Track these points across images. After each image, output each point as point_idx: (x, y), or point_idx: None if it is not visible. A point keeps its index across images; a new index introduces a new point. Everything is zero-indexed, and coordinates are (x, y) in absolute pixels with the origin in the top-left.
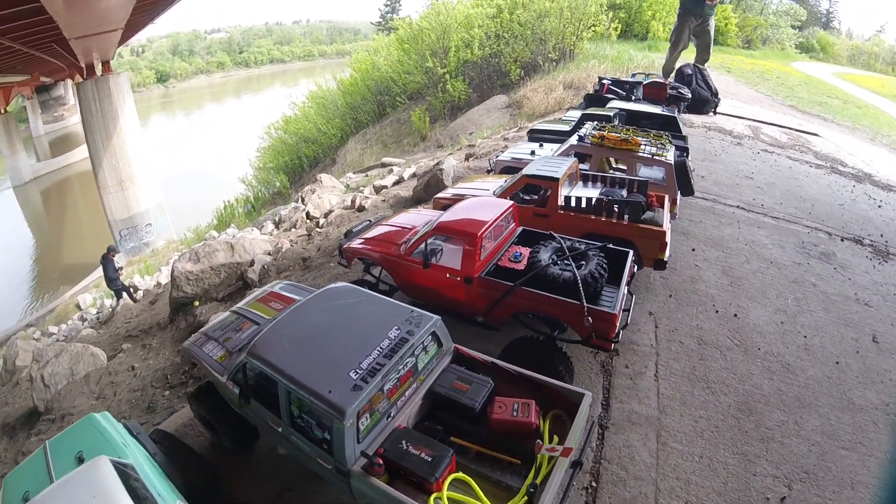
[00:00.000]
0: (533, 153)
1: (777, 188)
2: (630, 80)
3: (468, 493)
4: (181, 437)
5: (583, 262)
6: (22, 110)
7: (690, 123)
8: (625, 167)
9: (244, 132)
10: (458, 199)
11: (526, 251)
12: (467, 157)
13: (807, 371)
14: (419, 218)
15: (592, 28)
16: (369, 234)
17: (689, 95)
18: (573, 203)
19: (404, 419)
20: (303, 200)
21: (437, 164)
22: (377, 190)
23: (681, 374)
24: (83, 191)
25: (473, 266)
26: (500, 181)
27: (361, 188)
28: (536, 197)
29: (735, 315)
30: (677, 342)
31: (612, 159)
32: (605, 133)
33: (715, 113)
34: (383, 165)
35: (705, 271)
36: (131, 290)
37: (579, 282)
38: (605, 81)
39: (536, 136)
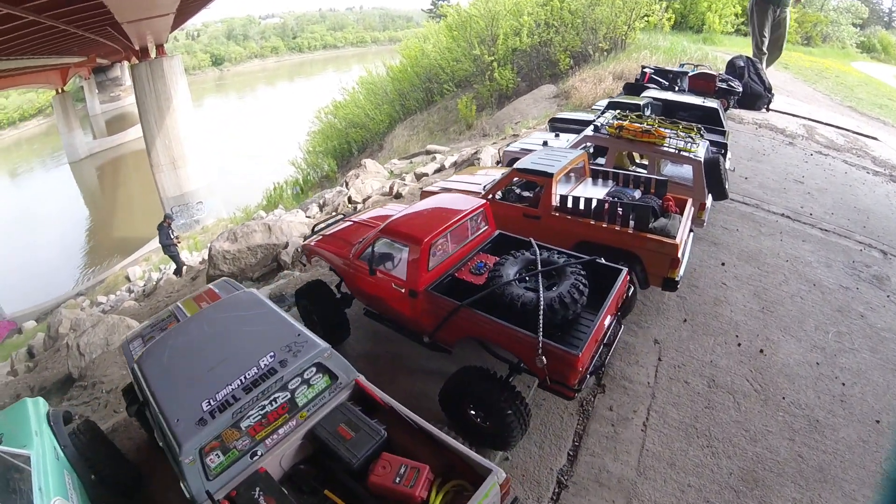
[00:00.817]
0: (545, 143)
1: (829, 195)
2: (675, 69)
3: None
4: (111, 433)
5: (556, 281)
6: (79, 90)
7: (740, 119)
8: (648, 163)
9: (296, 115)
10: (448, 192)
11: (493, 261)
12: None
13: (838, 431)
14: (431, 205)
15: (645, 18)
16: (331, 231)
17: (740, 89)
18: (569, 204)
19: (276, 460)
20: (347, 185)
21: (476, 152)
22: (418, 177)
23: (677, 425)
24: (137, 168)
25: (419, 277)
26: (498, 174)
27: (404, 175)
28: (532, 195)
29: (761, 350)
30: (682, 382)
31: (634, 154)
32: (624, 123)
33: (767, 109)
34: (427, 153)
35: (733, 292)
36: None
37: (541, 307)
38: (646, 70)
39: (557, 125)
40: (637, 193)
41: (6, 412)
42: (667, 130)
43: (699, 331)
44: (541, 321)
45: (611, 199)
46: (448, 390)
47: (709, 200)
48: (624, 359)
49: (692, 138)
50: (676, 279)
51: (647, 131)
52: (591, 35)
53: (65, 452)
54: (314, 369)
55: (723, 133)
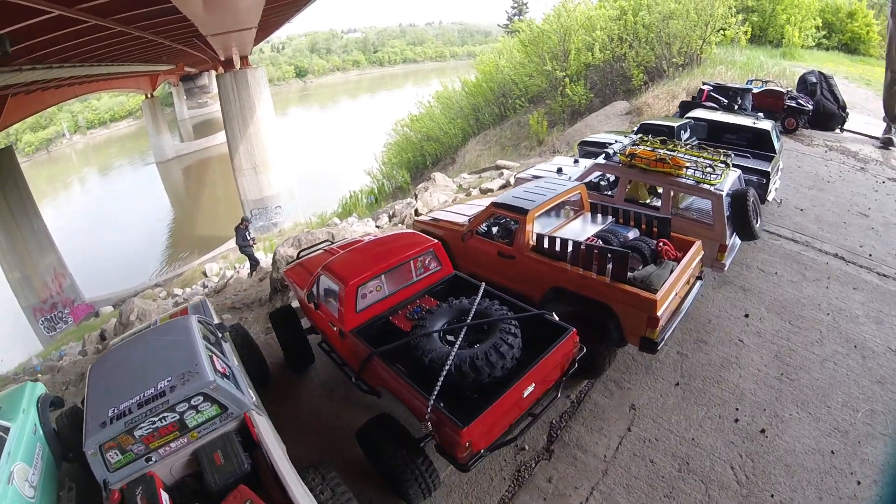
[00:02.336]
0: (559, 171)
1: None
2: (737, 86)
3: None
4: None
5: (486, 338)
6: (168, 96)
7: (810, 140)
8: (663, 196)
9: (374, 127)
10: (435, 223)
11: (436, 304)
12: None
13: None
14: (377, 244)
15: (721, 32)
16: (308, 258)
17: (811, 107)
18: (545, 244)
19: (167, 468)
20: (416, 197)
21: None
22: (483, 192)
23: None
24: (221, 171)
25: (345, 318)
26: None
27: (471, 189)
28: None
29: (762, 431)
30: (646, 460)
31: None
32: (637, 150)
33: (842, 130)
34: (497, 168)
35: (749, 352)
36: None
37: (447, 366)
38: (704, 87)
39: (586, 148)
40: (632, 233)
41: (10, 391)
42: (687, 158)
43: (691, 399)
44: (439, 381)
45: (593, 240)
46: (361, 433)
47: (732, 240)
48: (587, 423)
49: (713, 168)
50: (655, 340)
51: (661, 160)
52: (665, 50)
53: (43, 430)
54: (200, 398)
55: (769, 159)
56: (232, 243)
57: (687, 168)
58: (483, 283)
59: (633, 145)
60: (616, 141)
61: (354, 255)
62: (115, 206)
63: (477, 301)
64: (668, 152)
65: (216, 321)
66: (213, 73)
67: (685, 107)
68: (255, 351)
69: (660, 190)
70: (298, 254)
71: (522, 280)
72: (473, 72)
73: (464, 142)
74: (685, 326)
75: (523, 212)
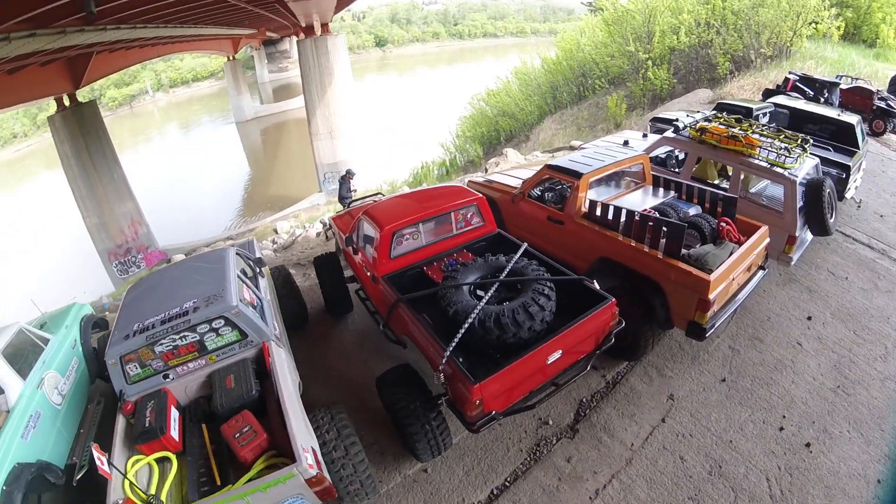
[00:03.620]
0: (626, 143)
1: None
2: (824, 78)
3: (163, 472)
4: None
5: (535, 290)
6: (250, 59)
7: None
8: (732, 177)
9: (450, 99)
10: (488, 185)
11: (472, 259)
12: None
13: None
14: (422, 195)
15: (813, 25)
16: (356, 207)
17: None
18: (597, 212)
19: (182, 387)
20: (486, 171)
21: None
22: None
23: None
24: (297, 134)
25: (379, 264)
26: None
27: None
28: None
29: (808, 444)
30: (675, 456)
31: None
32: (708, 125)
33: None
34: (571, 148)
35: (807, 357)
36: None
37: (470, 319)
38: (790, 77)
39: (658, 125)
40: (693, 210)
41: (62, 309)
42: (762, 138)
43: (736, 398)
44: (459, 333)
45: (650, 212)
46: (380, 380)
47: (803, 233)
48: (619, 407)
49: (788, 151)
50: (704, 325)
51: (733, 137)
52: (753, 39)
53: (82, 346)
54: (222, 322)
55: (851, 154)
56: (304, 204)
57: (760, 148)
58: (525, 243)
59: (706, 121)
60: (689, 116)
61: (397, 201)
62: (193, 161)
63: (514, 259)
64: (741, 131)
65: (257, 257)
66: (294, 38)
67: (768, 94)
68: (294, 292)
69: (729, 170)
70: (348, 203)
71: (570, 248)
72: (554, 49)
73: (539, 120)
74: (741, 320)
75: (577, 175)
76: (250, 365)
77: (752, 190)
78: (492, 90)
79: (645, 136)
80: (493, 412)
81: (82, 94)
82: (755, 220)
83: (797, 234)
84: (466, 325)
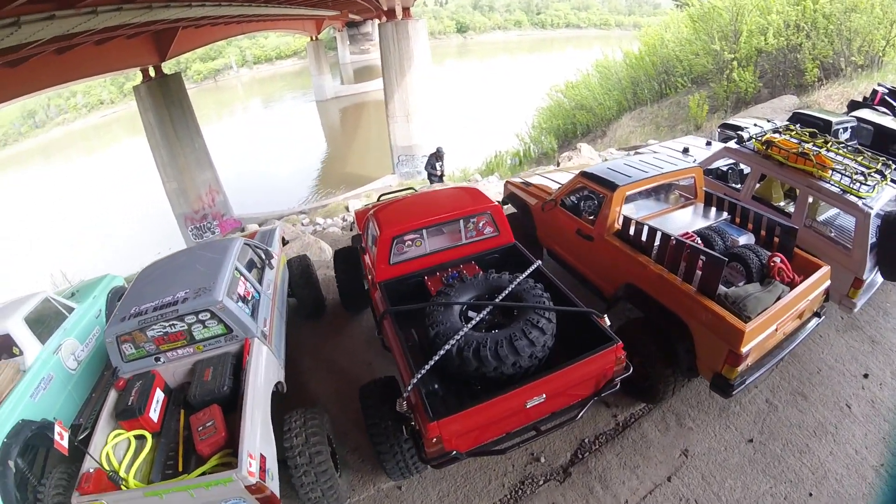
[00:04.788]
0: (685, 151)
1: None
2: None
3: (139, 448)
4: None
5: (528, 320)
6: (332, 40)
7: None
8: (798, 201)
9: (529, 89)
10: (524, 187)
11: (474, 274)
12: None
13: None
14: (436, 197)
15: None
16: (384, 202)
17: None
18: (631, 230)
19: (170, 371)
20: (559, 165)
21: None
22: None
23: None
24: (374, 116)
25: (377, 269)
26: None
27: None
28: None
29: None
30: None
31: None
32: (776, 138)
33: None
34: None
35: (854, 424)
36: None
37: (447, 346)
38: (879, 90)
39: (727, 132)
40: (745, 238)
41: (95, 279)
42: (837, 159)
43: (760, 464)
44: (431, 361)
45: (691, 237)
46: (362, 389)
47: (872, 276)
48: (623, 455)
49: (865, 176)
50: (732, 381)
51: (803, 154)
52: (844, 46)
53: (105, 317)
54: (208, 314)
55: None
56: (376, 184)
57: (833, 171)
58: (538, 262)
59: (775, 132)
60: (756, 125)
61: (406, 203)
62: (273, 136)
63: (518, 280)
64: (815, 148)
65: (273, 249)
66: (377, 21)
67: (854, 107)
68: (312, 283)
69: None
70: (379, 197)
71: (598, 268)
72: (637, 43)
73: (618, 115)
74: (786, 369)
75: (612, 187)
76: (230, 360)
77: (821, 218)
78: (570, 82)
79: (709, 143)
80: (454, 452)
81: (168, 67)
82: (818, 254)
83: (865, 277)
84: (442, 353)
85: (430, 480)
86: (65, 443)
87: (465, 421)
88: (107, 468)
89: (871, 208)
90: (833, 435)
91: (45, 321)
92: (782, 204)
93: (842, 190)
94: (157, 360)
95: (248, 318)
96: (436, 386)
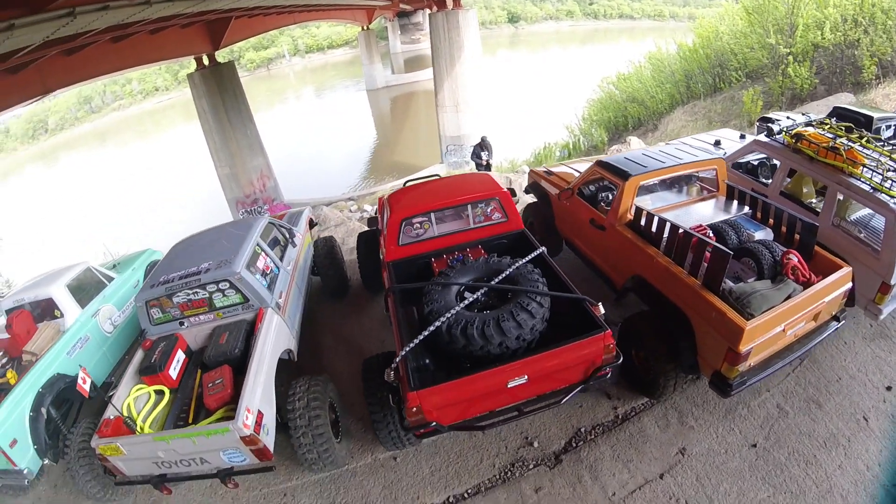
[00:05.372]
0: (717, 143)
1: None
2: None
3: (158, 401)
4: None
5: (518, 302)
6: (383, 30)
7: None
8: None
9: (580, 80)
10: (546, 176)
11: (479, 257)
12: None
13: None
14: (447, 184)
15: None
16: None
17: None
18: (642, 221)
19: (192, 335)
20: None
21: None
22: None
23: None
24: (424, 106)
25: (387, 250)
26: None
27: None
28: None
29: None
30: None
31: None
32: (807, 132)
33: None
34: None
35: (868, 439)
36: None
37: (437, 322)
38: None
39: (766, 125)
40: (762, 233)
41: (136, 253)
42: (870, 155)
43: (761, 471)
44: (421, 335)
45: (703, 230)
46: (364, 363)
47: None
48: (618, 448)
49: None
50: (730, 381)
51: (833, 149)
52: None
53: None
54: (227, 284)
55: None
56: (423, 172)
57: (864, 167)
58: (542, 248)
59: (808, 125)
60: (788, 118)
61: (419, 189)
62: (324, 124)
63: (517, 265)
64: (848, 143)
65: (298, 229)
66: (427, 11)
67: None
68: (336, 263)
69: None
70: (405, 182)
71: (609, 258)
72: (691, 35)
73: (670, 109)
74: (804, 374)
75: (625, 176)
76: (245, 327)
77: (851, 217)
78: (622, 74)
79: (742, 136)
80: (435, 423)
81: (221, 55)
82: (846, 254)
83: (893, 282)
84: (432, 329)
85: (425, 454)
86: (87, 387)
87: (444, 394)
88: (125, 416)
89: None
90: (845, 448)
91: (86, 288)
92: (814, 202)
93: (872, 188)
94: (182, 324)
95: (265, 289)
96: (427, 361)
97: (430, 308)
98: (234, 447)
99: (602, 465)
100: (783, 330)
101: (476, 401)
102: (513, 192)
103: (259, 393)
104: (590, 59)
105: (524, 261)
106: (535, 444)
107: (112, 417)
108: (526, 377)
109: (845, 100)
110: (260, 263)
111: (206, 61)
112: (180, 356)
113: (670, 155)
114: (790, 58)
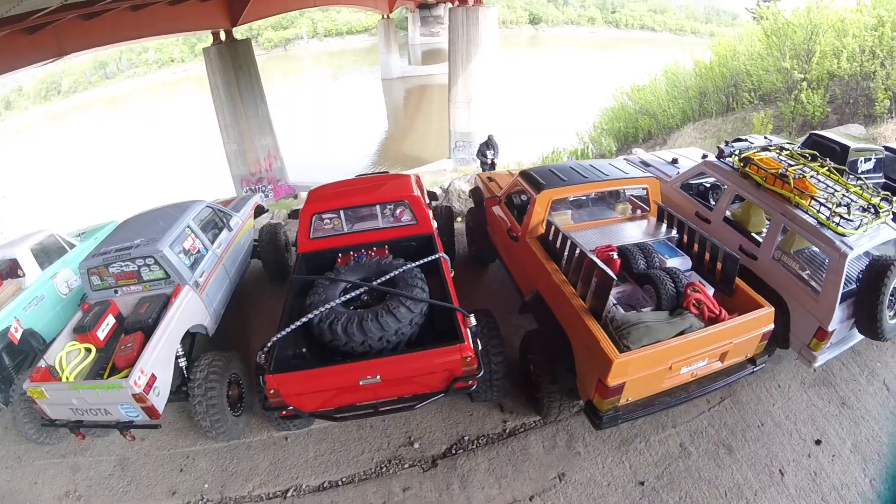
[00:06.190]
0: (674, 162)
1: None
2: None
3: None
4: None
5: (386, 305)
6: (403, 20)
7: None
8: (769, 229)
9: (595, 87)
10: (487, 181)
11: (380, 256)
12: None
13: None
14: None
15: None
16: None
17: None
18: (551, 235)
19: (124, 302)
20: None
21: None
22: None
23: None
24: (437, 99)
25: (300, 241)
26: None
27: None
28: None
29: None
30: None
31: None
32: (756, 156)
33: None
34: None
35: (780, 496)
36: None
37: (308, 315)
38: None
39: (718, 147)
40: (677, 261)
41: (102, 224)
42: (825, 185)
43: None
44: (291, 327)
45: (609, 250)
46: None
47: (845, 328)
48: (496, 462)
49: (849, 209)
50: (601, 412)
51: (782, 176)
52: None
53: None
54: (152, 260)
55: None
56: (430, 166)
57: (814, 199)
58: (441, 254)
59: (764, 150)
60: (746, 139)
61: (337, 186)
62: (336, 109)
63: (402, 269)
64: (801, 170)
65: (242, 215)
66: (449, 5)
67: None
68: (278, 250)
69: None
70: (357, 176)
71: (519, 270)
72: (709, 53)
73: (681, 125)
74: (722, 414)
75: (539, 188)
76: (163, 300)
77: (795, 251)
78: (637, 86)
79: (705, 156)
80: (293, 408)
81: (239, 32)
82: (784, 293)
83: (830, 328)
84: (304, 320)
85: (314, 439)
86: (18, 335)
87: (300, 381)
88: (51, 365)
89: (851, 248)
90: (748, 502)
91: (47, 253)
92: (763, 233)
93: (819, 222)
94: (116, 292)
95: (186, 268)
96: (304, 350)
97: (310, 301)
98: (129, 403)
99: (474, 477)
100: (670, 368)
101: (337, 393)
102: (434, 196)
103: (155, 358)
104: (607, 67)
105: (414, 265)
106: (416, 445)
107: (44, 366)
108: (378, 377)
109: (855, 130)
110: (187, 244)
111: (223, 37)
112: (110, 320)
113: (598, 170)
114: (804, 84)
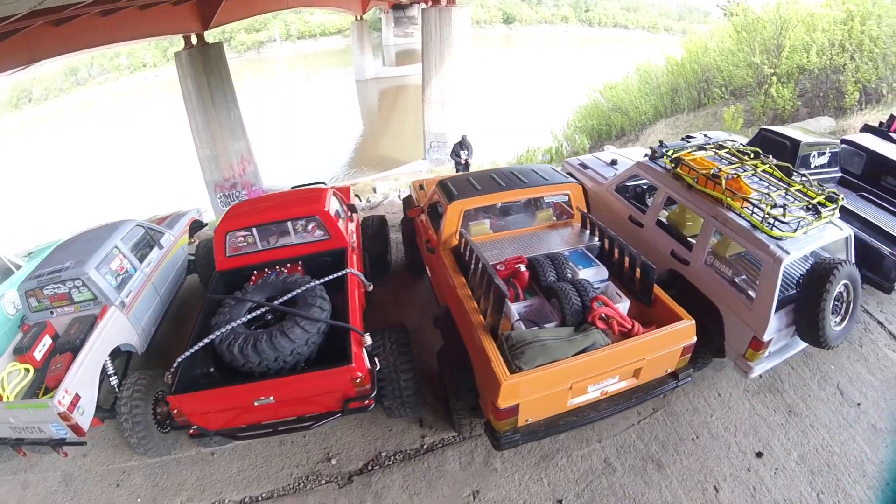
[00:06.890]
0: (614, 163)
1: None
2: None
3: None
4: None
5: (282, 326)
6: (377, 21)
7: None
8: (701, 233)
9: (568, 86)
10: (419, 189)
11: (292, 274)
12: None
13: None
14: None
15: None
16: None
17: None
18: (462, 247)
19: (60, 322)
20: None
21: None
22: None
23: None
24: (412, 100)
25: (216, 258)
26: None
27: None
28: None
29: None
30: None
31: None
32: (687, 155)
33: None
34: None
35: None
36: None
37: (211, 336)
38: None
39: (650, 147)
40: (591, 272)
41: (50, 243)
42: (761, 185)
43: None
44: (195, 347)
45: (517, 262)
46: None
47: (784, 336)
48: (411, 479)
49: (784, 211)
50: (499, 433)
51: (714, 176)
52: (889, 72)
53: None
54: (80, 282)
55: None
56: (406, 168)
57: (747, 200)
58: (348, 270)
59: (701, 148)
60: (687, 137)
61: (254, 202)
62: (310, 111)
63: (307, 286)
64: (735, 170)
65: (175, 231)
66: (422, 5)
67: (869, 132)
68: (213, 265)
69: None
70: (292, 187)
71: (435, 283)
72: (681, 50)
73: (653, 121)
74: (650, 429)
75: (451, 198)
76: (91, 320)
77: (732, 255)
78: (609, 84)
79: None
80: (198, 427)
81: (211, 35)
82: (717, 301)
83: (766, 338)
84: (206, 341)
85: (238, 454)
86: None
87: (199, 402)
88: None
89: (788, 252)
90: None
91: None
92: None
93: (752, 225)
94: (52, 313)
95: (112, 289)
96: (211, 369)
97: (214, 321)
98: (57, 421)
99: (388, 494)
100: (570, 388)
101: (239, 412)
102: (353, 209)
103: (80, 378)
104: (581, 66)
105: (318, 283)
106: (334, 462)
107: None
108: (272, 398)
109: (825, 123)
110: (114, 264)
111: (194, 40)
112: (47, 341)
113: (519, 177)
114: (774, 78)
